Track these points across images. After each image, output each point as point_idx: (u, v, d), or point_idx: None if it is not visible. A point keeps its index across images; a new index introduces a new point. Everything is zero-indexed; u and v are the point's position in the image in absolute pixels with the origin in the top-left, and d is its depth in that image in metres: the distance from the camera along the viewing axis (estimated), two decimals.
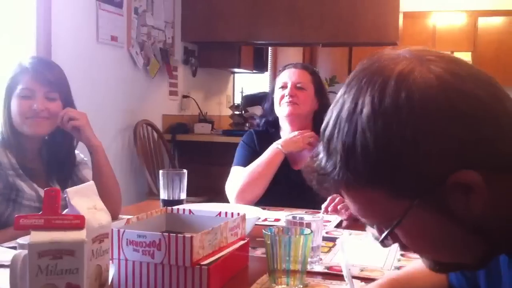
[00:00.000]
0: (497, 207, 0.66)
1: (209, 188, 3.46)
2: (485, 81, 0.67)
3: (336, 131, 0.68)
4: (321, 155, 0.71)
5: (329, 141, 0.69)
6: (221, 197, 2.17)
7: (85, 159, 1.93)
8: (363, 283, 1.18)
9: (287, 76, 2.19)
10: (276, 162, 2.10)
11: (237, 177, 2.12)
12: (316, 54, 5.91)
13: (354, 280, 1.06)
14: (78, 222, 0.89)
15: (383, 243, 0.72)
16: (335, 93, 3.20)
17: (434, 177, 0.63)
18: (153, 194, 3.65)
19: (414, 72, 0.64)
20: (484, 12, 6.11)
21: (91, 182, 1.07)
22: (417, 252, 0.75)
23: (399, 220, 0.67)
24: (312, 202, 1.89)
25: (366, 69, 0.68)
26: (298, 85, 2.16)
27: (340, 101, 0.69)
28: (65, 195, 0.97)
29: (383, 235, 0.70)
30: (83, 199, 0.99)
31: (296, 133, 2.16)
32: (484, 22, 6.11)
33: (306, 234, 1.19)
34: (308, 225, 1.32)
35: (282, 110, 2.17)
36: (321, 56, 5.93)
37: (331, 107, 0.72)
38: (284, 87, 2.17)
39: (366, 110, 0.65)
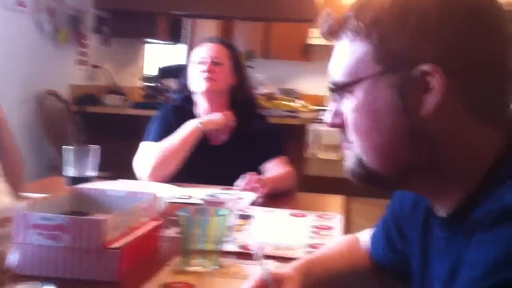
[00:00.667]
0: (447, 126, 0.68)
1: (120, 163, 3.35)
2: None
3: None
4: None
5: None
6: (132, 174, 2.10)
7: None
8: (276, 262, 1.18)
9: (204, 51, 2.14)
10: (193, 140, 2.06)
11: (150, 153, 2.05)
12: (234, 28, 5.85)
13: (268, 259, 1.06)
14: None
15: (329, 118, 0.77)
16: (252, 67, 3.22)
17: (411, 58, 0.67)
18: (56, 169, 3.48)
19: None
20: None
21: None
22: (353, 134, 0.74)
23: (362, 78, 0.70)
24: (228, 178, 1.89)
25: None
26: (215, 60, 2.12)
27: None
28: None
29: (344, 83, 0.73)
30: None
31: (219, 115, 2.13)
32: None
33: (223, 215, 1.18)
34: (224, 204, 1.31)
35: (198, 86, 2.12)
36: (239, 30, 5.88)
37: None
38: (200, 62, 2.12)
39: None
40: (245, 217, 1.60)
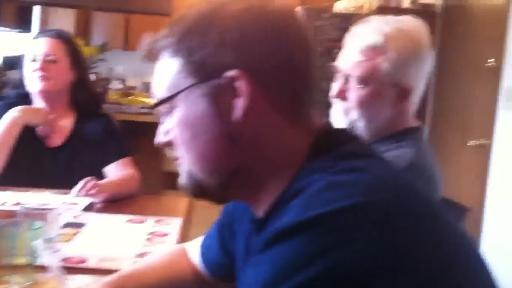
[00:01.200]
0: (260, 128, 0.71)
1: None
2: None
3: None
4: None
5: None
6: None
7: None
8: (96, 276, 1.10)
9: (38, 47, 1.95)
10: (14, 132, 1.89)
11: None
12: (91, 18, 5.58)
13: (90, 274, 1.05)
14: None
15: (159, 138, 0.78)
16: (105, 60, 3.02)
17: (217, 66, 0.70)
18: None
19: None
20: None
21: None
22: (180, 148, 0.75)
23: (179, 91, 0.72)
24: (68, 183, 1.77)
25: None
26: (49, 57, 1.93)
27: None
28: None
29: (161, 101, 0.75)
30: None
31: (40, 109, 1.97)
32: None
33: (37, 228, 1.08)
34: (42, 216, 1.19)
35: (33, 85, 1.94)
36: (97, 21, 5.62)
37: None
38: (34, 60, 1.93)
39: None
40: (76, 225, 1.49)
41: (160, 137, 0.78)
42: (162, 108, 0.76)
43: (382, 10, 3.79)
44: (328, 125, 0.77)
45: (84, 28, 5.27)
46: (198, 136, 0.73)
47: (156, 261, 1.07)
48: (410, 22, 1.27)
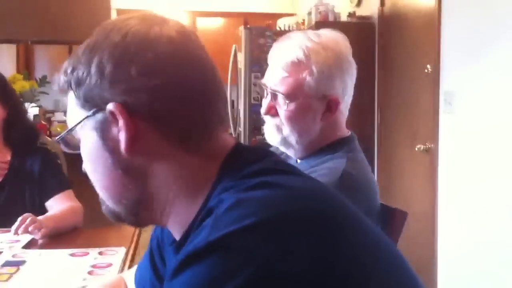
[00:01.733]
0: (151, 159, 0.70)
1: None
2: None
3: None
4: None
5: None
6: None
7: None
8: None
9: None
10: None
11: None
12: (32, 51, 5.49)
13: None
14: None
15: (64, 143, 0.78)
16: (47, 93, 2.92)
17: (98, 99, 0.69)
18: None
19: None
20: (202, 13, 6.45)
21: None
22: (90, 177, 0.75)
23: (72, 128, 0.73)
24: (8, 220, 1.70)
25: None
26: None
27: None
28: None
29: (60, 136, 0.75)
30: None
31: None
32: (202, 23, 6.46)
33: None
34: None
35: None
36: (39, 54, 5.53)
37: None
38: None
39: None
40: (15, 263, 1.44)
41: (83, 165, 0.77)
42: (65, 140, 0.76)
43: (321, 25, 3.86)
44: (239, 145, 0.75)
45: (26, 61, 5.18)
46: (96, 168, 0.73)
47: None
48: (329, 35, 1.29)
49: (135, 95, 0.68)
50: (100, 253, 1.52)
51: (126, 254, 1.52)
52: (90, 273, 1.36)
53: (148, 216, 0.74)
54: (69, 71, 0.71)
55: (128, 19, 0.72)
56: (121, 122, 0.67)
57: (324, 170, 1.21)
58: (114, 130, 0.69)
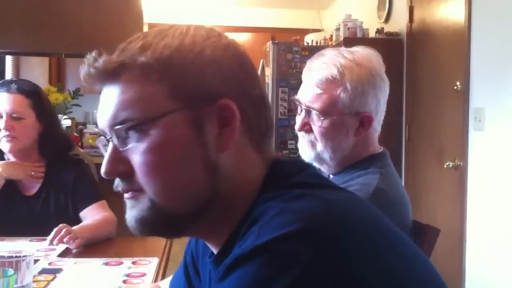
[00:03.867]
0: (236, 157, 0.71)
1: None
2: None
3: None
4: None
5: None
6: None
7: None
8: None
9: (1, 104, 1.91)
10: None
11: None
12: (64, 64, 5.60)
13: None
14: None
15: (108, 168, 0.72)
16: (80, 106, 2.97)
17: (208, 94, 0.69)
18: None
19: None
20: (230, 28, 6.54)
21: None
22: (145, 177, 0.69)
23: (158, 116, 0.68)
24: (43, 229, 1.75)
25: None
26: (14, 115, 1.90)
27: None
28: None
29: (136, 124, 0.69)
30: None
31: (23, 165, 1.97)
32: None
33: (7, 276, 1.07)
34: (14, 264, 1.18)
35: (1, 145, 1.94)
36: (70, 66, 5.65)
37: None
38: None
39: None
40: (51, 271, 1.48)
41: (113, 167, 0.71)
42: (121, 133, 0.70)
43: (349, 41, 3.88)
44: (280, 156, 0.79)
45: (58, 74, 5.29)
46: (175, 163, 0.69)
47: None
48: (362, 52, 1.31)
49: (238, 92, 0.71)
50: (134, 263, 1.55)
51: (159, 264, 1.55)
52: (124, 281, 1.39)
53: (201, 223, 0.73)
54: (161, 60, 0.69)
55: (205, 30, 0.75)
56: (231, 118, 0.70)
57: (356, 185, 1.23)
58: (215, 126, 0.70)
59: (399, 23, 4.09)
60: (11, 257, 1.27)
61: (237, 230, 0.69)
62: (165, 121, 0.68)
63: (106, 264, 1.55)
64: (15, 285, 1.13)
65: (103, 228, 1.86)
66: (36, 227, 1.85)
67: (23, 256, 1.23)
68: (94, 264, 1.55)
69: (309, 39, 5.15)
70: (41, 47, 3.61)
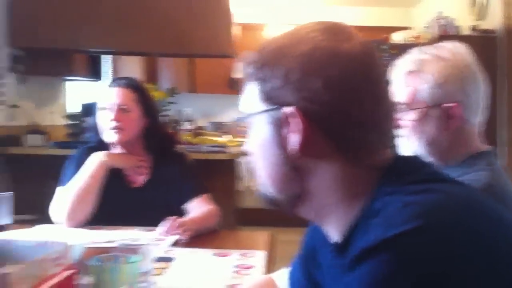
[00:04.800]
0: (318, 163, 0.76)
1: (42, 205, 3.21)
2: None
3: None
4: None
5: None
6: None
7: None
8: None
9: (110, 97, 2.05)
10: (101, 175, 2.00)
11: (63, 198, 1.97)
12: (157, 64, 5.82)
13: None
14: None
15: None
16: (175, 103, 3.13)
17: (278, 100, 0.76)
18: None
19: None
20: None
21: None
22: (254, 162, 0.82)
23: (252, 114, 0.80)
24: (150, 220, 1.85)
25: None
26: (122, 107, 2.03)
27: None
28: None
29: (240, 118, 0.84)
30: None
31: (127, 156, 2.09)
32: None
33: (134, 261, 1.15)
34: (136, 251, 1.27)
35: (108, 136, 2.05)
36: (163, 65, 5.85)
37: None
38: (107, 109, 2.04)
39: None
40: (166, 259, 1.57)
41: (245, 145, 0.86)
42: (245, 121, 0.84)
43: (442, 38, 3.78)
44: (399, 156, 0.81)
45: (151, 73, 5.51)
46: (265, 157, 0.80)
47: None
48: (448, 46, 1.31)
49: (316, 105, 0.74)
50: (242, 255, 1.62)
51: (268, 257, 1.61)
52: (236, 272, 1.45)
53: (304, 211, 0.82)
54: (256, 66, 0.79)
55: (313, 31, 0.78)
56: (296, 126, 0.74)
57: (466, 181, 1.22)
58: (285, 130, 0.76)
59: (494, 20, 3.96)
60: (133, 245, 1.37)
61: (357, 221, 0.74)
62: (257, 119, 0.81)
63: (216, 255, 1.63)
64: (139, 271, 1.20)
65: (209, 221, 1.95)
66: (140, 218, 1.94)
67: (143, 244, 1.31)
68: (205, 254, 1.63)
69: (396, 37, 5.08)
70: (137, 47, 3.78)
